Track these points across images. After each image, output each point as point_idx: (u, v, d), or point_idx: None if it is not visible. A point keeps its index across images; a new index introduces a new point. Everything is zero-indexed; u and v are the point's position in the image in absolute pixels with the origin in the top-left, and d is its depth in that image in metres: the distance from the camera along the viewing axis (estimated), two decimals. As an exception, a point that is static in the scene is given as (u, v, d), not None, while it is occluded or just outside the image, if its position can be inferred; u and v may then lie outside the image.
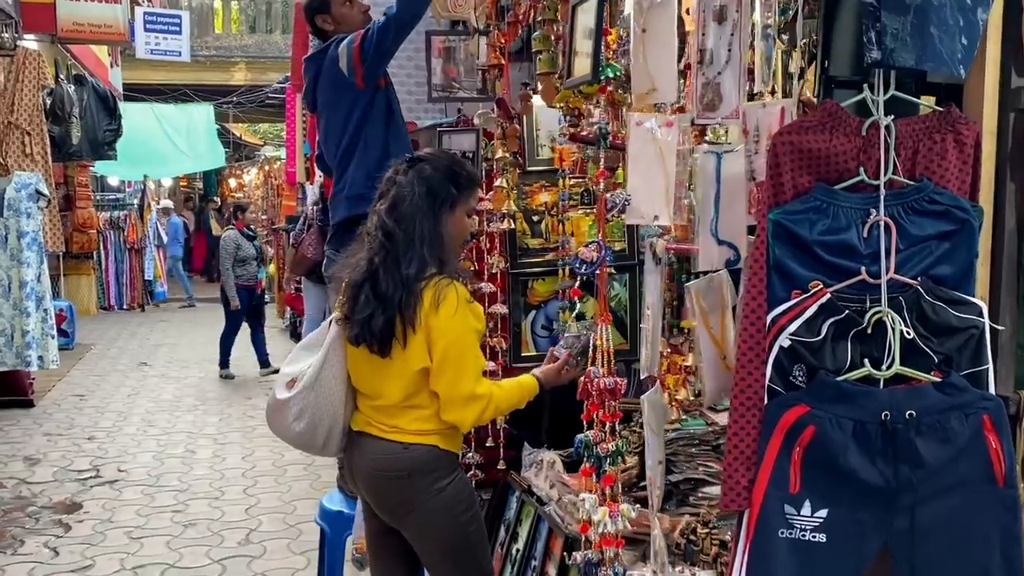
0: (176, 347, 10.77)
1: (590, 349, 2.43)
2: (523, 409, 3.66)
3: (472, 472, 3.52)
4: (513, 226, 3.20)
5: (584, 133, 2.32)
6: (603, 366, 1.94)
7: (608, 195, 1.78)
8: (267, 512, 4.87)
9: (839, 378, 1.67)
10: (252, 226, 10.41)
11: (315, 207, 8.14)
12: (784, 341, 1.69)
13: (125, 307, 14.24)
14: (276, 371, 8.69)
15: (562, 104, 2.29)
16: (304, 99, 3.48)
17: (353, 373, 2.46)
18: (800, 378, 1.71)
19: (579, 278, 2.01)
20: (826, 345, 1.69)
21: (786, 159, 1.68)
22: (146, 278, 14.59)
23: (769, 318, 1.68)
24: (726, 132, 2.27)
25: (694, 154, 1.84)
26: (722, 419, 3.69)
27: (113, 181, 16.47)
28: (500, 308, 3.44)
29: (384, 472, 2.40)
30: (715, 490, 3.24)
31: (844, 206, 1.69)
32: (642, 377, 1.86)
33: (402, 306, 2.25)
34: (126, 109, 13.62)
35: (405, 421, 2.38)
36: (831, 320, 1.68)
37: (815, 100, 1.87)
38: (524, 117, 3.23)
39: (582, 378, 2.00)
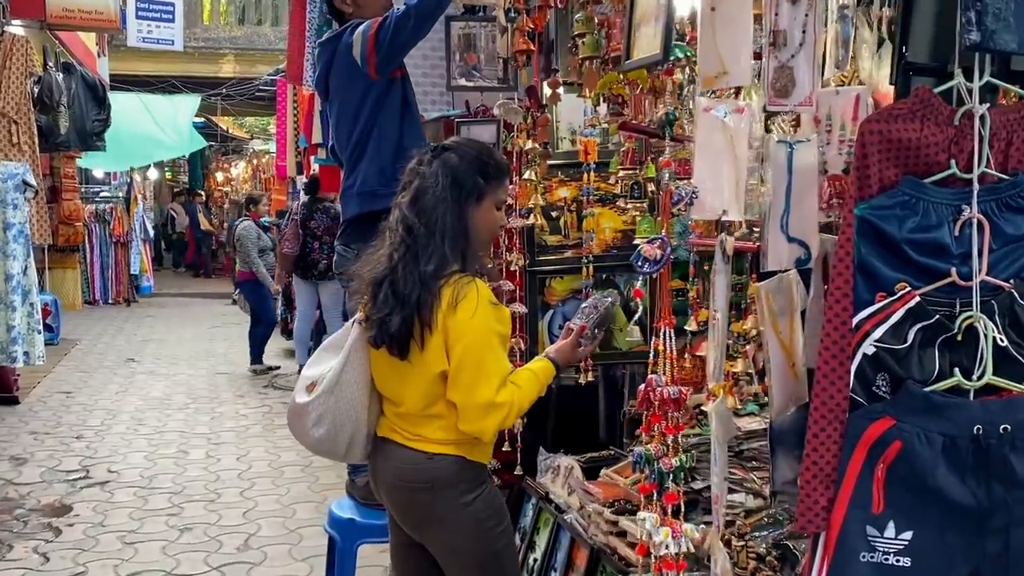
0: (164, 343, 10.55)
1: (609, 319, 2.26)
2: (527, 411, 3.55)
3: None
4: (541, 220, 3.04)
5: (636, 122, 2.17)
6: (665, 373, 1.79)
7: (674, 187, 1.64)
8: (266, 516, 4.70)
9: (927, 389, 1.54)
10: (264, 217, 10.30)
11: (298, 203, 7.98)
12: (868, 348, 1.56)
13: (111, 302, 13.99)
14: (269, 369, 8.64)
15: (603, 91, 2.14)
16: (316, 86, 3.31)
17: (376, 377, 2.31)
18: (884, 388, 1.57)
19: (641, 277, 1.87)
20: (913, 353, 1.56)
21: (873, 149, 1.54)
22: (132, 272, 14.33)
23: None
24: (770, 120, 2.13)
25: (762, 144, 1.70)
26: (744, 423, 3.58)
27: (98, 174, 16.19)
28: (519, 307, 3.29)
29: (407, 483, 2.26)
30: (739, 497, 3.13)
31: (934, 201, 1.56)
32: (711, 385, 1.71)
33: (420, 305, 2.10)
34: (114, 99, 13.43)
35: (429, 430, 2.24)
36: (919, 326, 1.55)
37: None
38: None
39: (641, 386, 1.85)
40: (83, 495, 5.05)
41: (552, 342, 3.60)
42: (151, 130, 14.38)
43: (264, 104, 15.92)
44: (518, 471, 3.43)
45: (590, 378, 3.22)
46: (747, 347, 2.05)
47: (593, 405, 4.02)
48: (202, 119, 17.30)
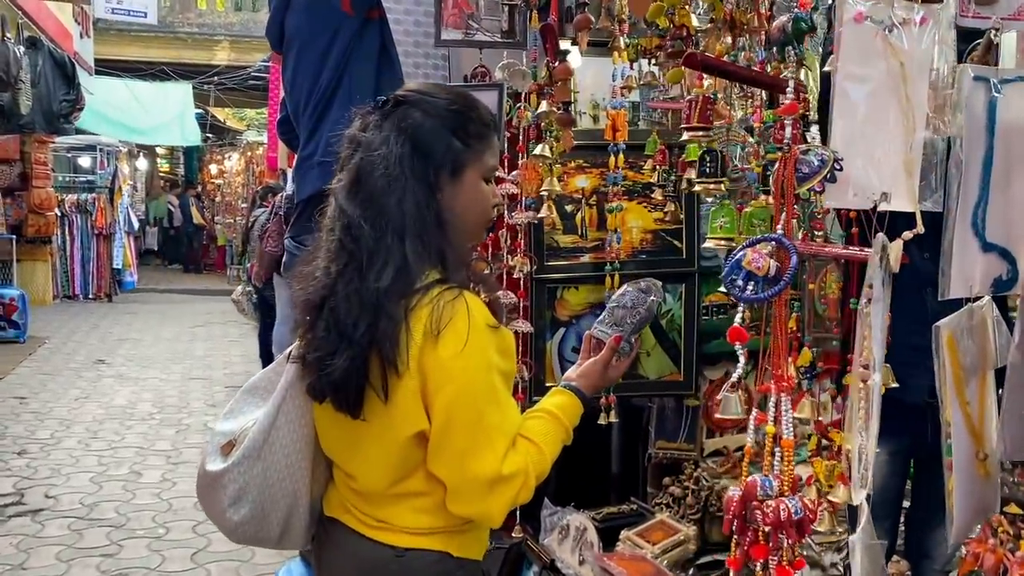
0: (139, 343, 9.84)
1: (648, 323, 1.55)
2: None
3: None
4: (554, 214, 2.33)
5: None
6: (778, 473, 1.08)
7: (800, 153, 0.93)
8: (218, 559, 3.99)
9: None
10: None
11: (282, 195, 7.26)
12: None
13: (91, 297, 13.29)
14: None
15: (656, 18, 1.43)
16: (267, 33, 2.60)
17: (321, 435, 1.61)
18: None
19: (742, 305, 1.15)
20: None
21: None
22: (115, 266, 13.62)
23: None
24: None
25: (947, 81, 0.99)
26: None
27: (84, 161, 15.51)
28: (522, 325, 2.59)
29: (370, 587, 1.56)
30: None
31: None
32: (855, 502, 1.00)
33: (377, 339, 1.40)
34: (98, 83, 12.74)
35: (398, 514, 1.54)
36: None
37: None
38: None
39: (733, 492, 1.14)
40: (9, 526, 4.33)
41: (563, 369, 2.90)
42: (137, 114, 13.73)
43: (259, 94, 15.24)
44: (517, 531, 2.73)
45: (613, 418, 2.52)
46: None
47: (607, 443, 3.33)
48: (201, 110, 16.63)
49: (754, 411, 1.13)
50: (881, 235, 0.99)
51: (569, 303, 2.87)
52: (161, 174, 22.42)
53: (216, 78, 15.03)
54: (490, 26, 2.52)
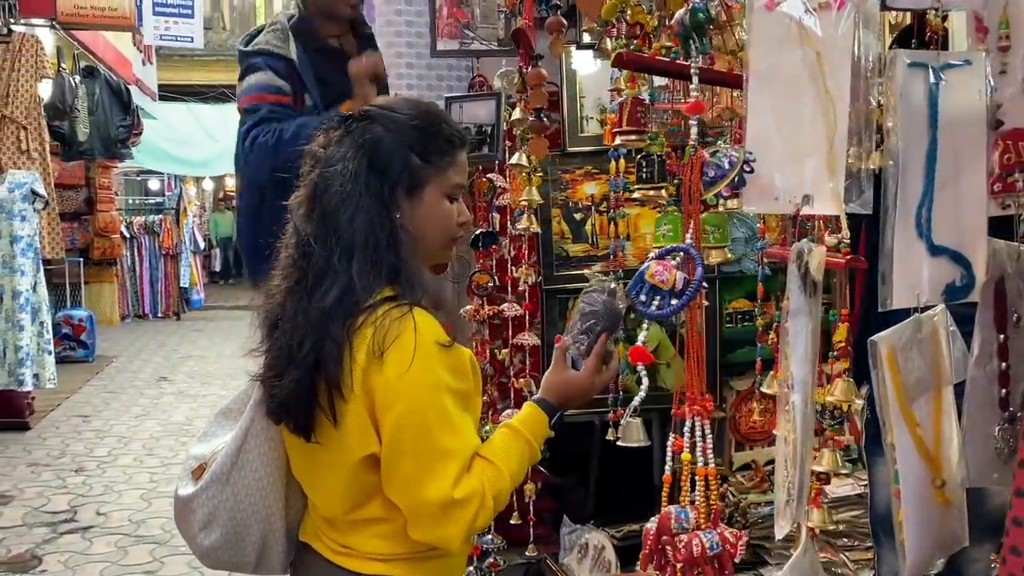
0: (203, 360, 10.07)
1: (610, 319, 1.41)
2: (559, 461, 2.78)
3: (491, 561, 2.61)
4: (536, 226, 2.25)
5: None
6: (698, 502, 1.00)
7: (708, 155, 0.85)
8: (255, 576, 4.00)
9: None
10: None
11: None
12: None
13: (160, 316, 13.69)
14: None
15: (611, 17, 1.36)
16: None
17: (291, 458, 1.58)
18: None
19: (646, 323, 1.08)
20: None
21: None
22: (182, 285, 14.02)
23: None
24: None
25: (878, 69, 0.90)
26: (832, 487, 2.76)
27: (153, 184, 16.00)
28: (529, 338, 2.52)
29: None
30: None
31: None
32: (777, 537, 0.92)
33: (321, 361, 1.36)
34: (162, 108, 13.15)
35: (360, 540, 1.50)
36: None
37: None
38: (562, 71, 2.29)
39: (649, 525, 1.06)
40: (60, 543, 4.44)
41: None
42: (203, 139, 14.10)
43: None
44: (531, 550, 2.65)
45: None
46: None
47: (632, 460, 3.22)
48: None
49: (671, 436, 1.04)
50: (800, 243, 0.89)
51: (582, 314, 2.79)
52: (231, 193, 23.01)
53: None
54: (486, 34, 2.47)
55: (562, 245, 2.71)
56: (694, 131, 0.98)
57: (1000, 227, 0.97)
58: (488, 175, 2.51)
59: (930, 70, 0.90)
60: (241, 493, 1.59)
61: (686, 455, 1.04)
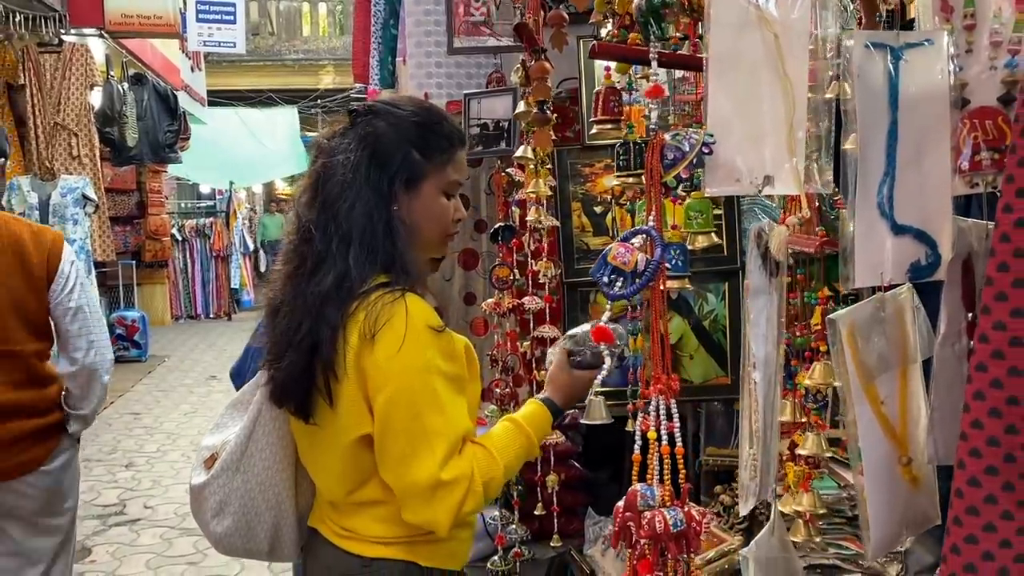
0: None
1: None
2: (594, 456, 2.78)
3: (516, 550, 2.64)
4: (544, 217, 2.28)
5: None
6: (661, 482, 1.02)
7: (667, 138, 0.88)
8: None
9: None
10: None
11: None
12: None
13: (212, 316, 14.00)
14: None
15: (603, 10, 1.38)
16: None
17: (298, 444, 1.64)
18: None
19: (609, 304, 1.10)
20: None
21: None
22: (232, 286, 14.32)
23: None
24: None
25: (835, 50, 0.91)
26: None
27: (205, 188, 16.37)
28: (549, 330, 2.54)
29: (338, 598, 1.56)
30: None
31: None
32: (742, 513, 0.94)
33: (317, 345, 1.41)
34: (211, 113, 13.44)
35: (361, 523, 1.54)
36: None
37: None
38: (581, 65, 2.31)
39: (619, 504, 1.09)
40: (109, 535, 4.60)
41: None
42: (249, 148, 14.36)
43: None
44: (555, 540, 2.67)
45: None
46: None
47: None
48: (303, 136, 17.29)
49: (639, 416, 1.06)
50: (759, 223, 0.91)
51: (603, 307, 2.80)
52: (280, 196, 23.37)
53: (319, 101, 15.58)
54: (503, 30, 2.50)
55: (583, 238, 2.73)
56: (654, 115, 1.00)
57: (965, 206, 0.96)
58: (507, 170, 2.55)
59: (891, 51, 0.91)
60: (251, 481, 1.63)
61: (652, 433, 1.06)
